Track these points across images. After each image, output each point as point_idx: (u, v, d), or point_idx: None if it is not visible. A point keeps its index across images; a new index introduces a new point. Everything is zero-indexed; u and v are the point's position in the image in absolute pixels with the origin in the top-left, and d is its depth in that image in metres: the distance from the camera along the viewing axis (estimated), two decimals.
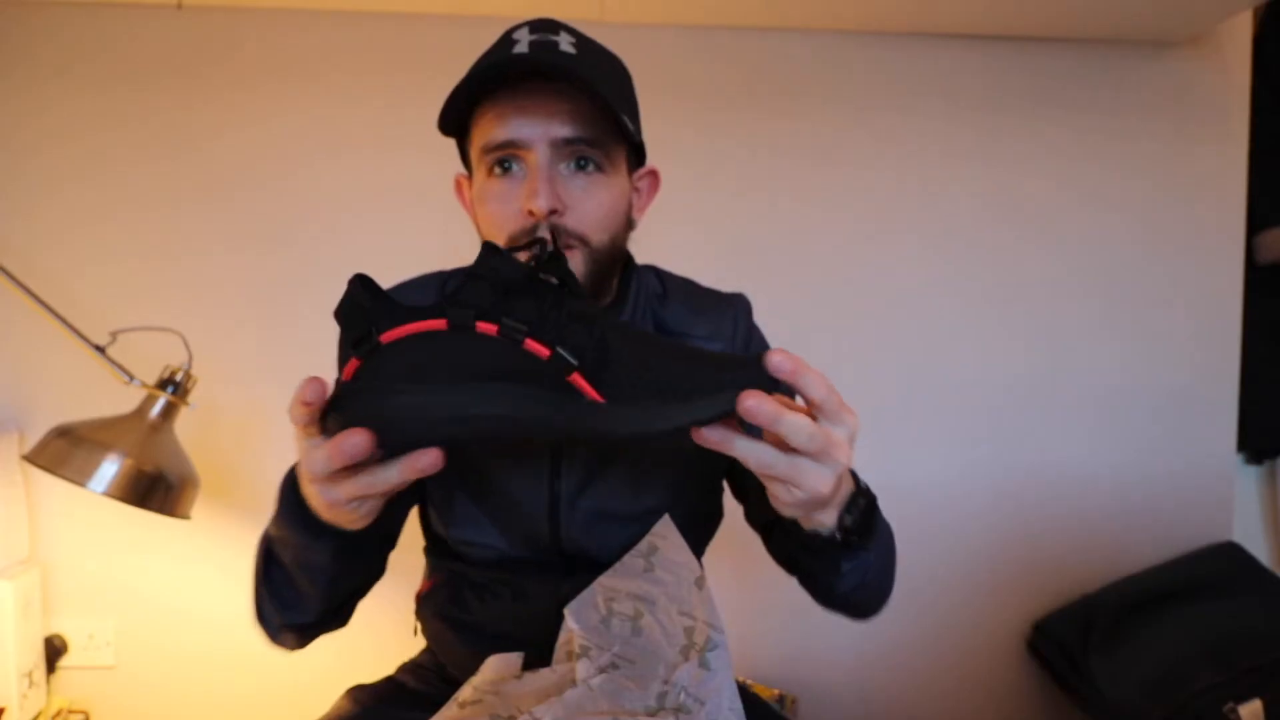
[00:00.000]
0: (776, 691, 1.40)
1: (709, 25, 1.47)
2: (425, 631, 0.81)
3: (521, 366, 0.46)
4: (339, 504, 0.50)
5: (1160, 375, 1.54)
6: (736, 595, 1.33)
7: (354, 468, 0.48)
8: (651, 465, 0.72)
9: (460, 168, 0.76)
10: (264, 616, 0.65)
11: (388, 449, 0.47)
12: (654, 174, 0.78)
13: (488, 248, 0.48)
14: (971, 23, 1.46)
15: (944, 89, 1.50)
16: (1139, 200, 1.53)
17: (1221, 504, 1.54)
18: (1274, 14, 1.53)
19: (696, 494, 0.77)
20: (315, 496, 0.51)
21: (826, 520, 0.55)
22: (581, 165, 0.67)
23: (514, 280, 0.46)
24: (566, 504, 0.70)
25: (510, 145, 0.66)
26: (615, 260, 0.72)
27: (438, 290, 0.77)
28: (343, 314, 0.48)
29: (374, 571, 0.70)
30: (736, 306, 0.80)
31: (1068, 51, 1.51)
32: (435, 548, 0.81)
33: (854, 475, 0.57)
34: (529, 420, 0.46)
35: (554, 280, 0.48)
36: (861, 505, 0.56)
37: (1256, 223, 1.55)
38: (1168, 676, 1.28)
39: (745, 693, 0.72)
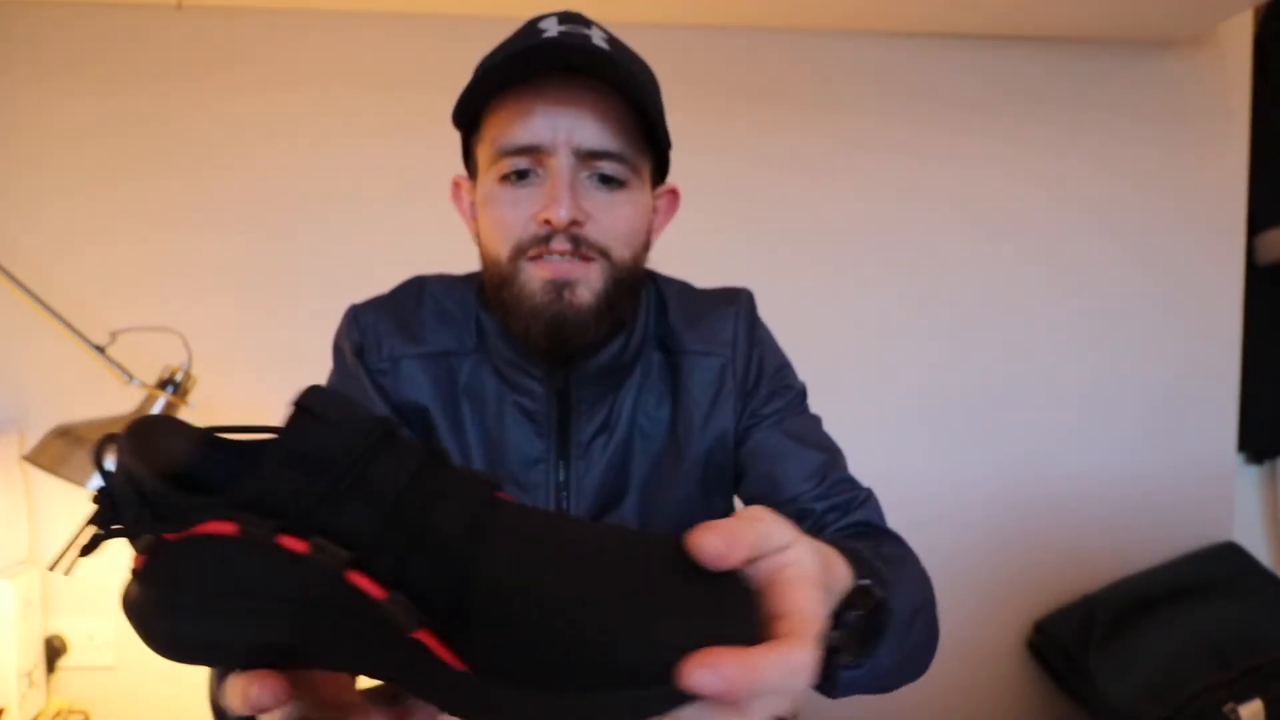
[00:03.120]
0: None
1: (711, 25, 1.47)
2: None
3: (350, 604, 0.30)
4: None
5: (1160, 375, 1.54)
6: None
7: None
8: (661, 504, 0.69)
9: (459, 168, 0.70)
10: None
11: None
12: (674, 193, 0.73)
13: (301, 408, 0.32)
14: (970, 23, 1.46)
15: (942, 89, 1.50)
16: (1138, 200, 1.53)
17: (1221, 504, 1.54)
18: (1274, 14, 1.53)
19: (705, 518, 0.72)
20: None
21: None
22: (605, 180, 0.61)
23: (347, 454, 0.31)
24: None
25: (531, 150, 0.60)
26: (635, 282, 0.66)
27: (469, 328, 0.69)
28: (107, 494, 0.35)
29: None
30: (737, 304, 0.74)
31: (1068, 51, 1.51)
32: None
33: (852, 557, 0.41)
34: (349, 657, 0.32)
35: (416, 451, 0.32)
36: (859, 609, 0.41)
37: (1256, 223, 1.55)
38: (1168, 676, 1.28)
39: None
